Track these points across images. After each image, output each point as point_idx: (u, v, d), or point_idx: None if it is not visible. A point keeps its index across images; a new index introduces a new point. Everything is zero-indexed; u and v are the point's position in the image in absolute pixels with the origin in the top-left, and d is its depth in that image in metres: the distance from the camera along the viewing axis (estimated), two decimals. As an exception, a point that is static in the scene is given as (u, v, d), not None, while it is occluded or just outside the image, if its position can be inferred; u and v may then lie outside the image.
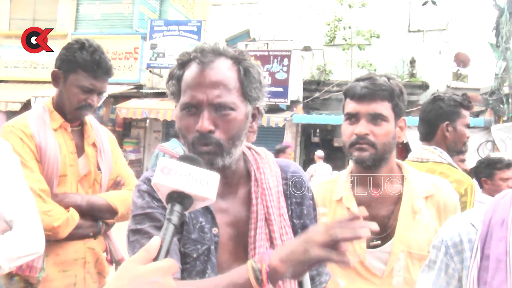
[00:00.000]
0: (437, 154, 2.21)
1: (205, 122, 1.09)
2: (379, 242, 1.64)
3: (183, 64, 1.17)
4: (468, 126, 2.29)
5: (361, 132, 1.61)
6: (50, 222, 1.80)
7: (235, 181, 1.21)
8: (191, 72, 1.14)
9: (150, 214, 1.12)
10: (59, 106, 2.00)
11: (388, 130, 1.63)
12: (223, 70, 1.14)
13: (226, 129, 1.12)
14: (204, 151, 1.10)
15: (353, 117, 1.66)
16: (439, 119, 2.28)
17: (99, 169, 2.06)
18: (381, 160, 1.64)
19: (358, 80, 1.69)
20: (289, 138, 11.97)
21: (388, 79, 1.66)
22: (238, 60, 1.17)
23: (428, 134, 2.31)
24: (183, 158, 0.93)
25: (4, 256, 1.38)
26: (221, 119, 1.11)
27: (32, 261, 1.80)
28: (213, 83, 1.11)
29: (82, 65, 1.94)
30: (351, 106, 1.66)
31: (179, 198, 0.88)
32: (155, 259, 0.81)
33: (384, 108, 1.62)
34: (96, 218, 2.01)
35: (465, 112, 2.28)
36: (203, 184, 0.89)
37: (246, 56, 1.19)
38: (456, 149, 2.29)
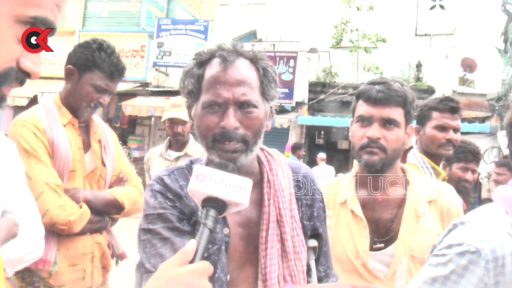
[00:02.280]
0: (411, 155, 2.34)
1: (231, 119, 1.10)
2: (382, 245, 1.65)
3: (202, 63, 1.17)
4: (443, 128, 2.29)
5: (374, 136, 1.61)
6: (66, 217, 1.83)
7: None
8: (213, 70, 1.15)
9: (162, 214, 1.13)
10: (68, 102, 2.02)
11: (399, 136, 1.64)
12: (246, 69, 1.16)
13: (250, 127, 1.14)
14: (229, 148, 1.12)
15: (365, 120, 1.66)
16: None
17: (104, 165, 2.09)
18: (389, 164, 1.65)
19: (372, 83, 1.69)
20: (294, 139, 11.96)
21: (402, 85, 1.68)
22: (255, 60, 1.19)
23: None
24: (216, 165, 0.97)
25: (8, 260, 1.37)
26: (245, 116, 1.13)
27: (45, 255, 1.83)
28: (238, 81, 1.13)
29: (100, 65, 1.97)
30: (364, 109, 1.66)
31: (214, 203, 0.91)
32: (191, 261, 0.84)
33: (397, 113, 1.63)
34: (103, 213, 2.03)
35: (437, 114, 2.30)
36: (236, 190, 0.93)
37: (263, 57, 1.21)
38: (430, 152, 2.32)
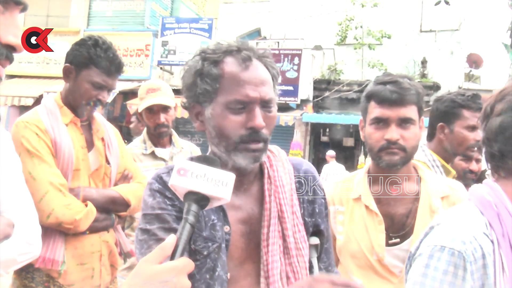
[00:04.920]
0: (420, 152, 2.20)
1: (259, 119, 1.11)
2: (398, 240, 1.65)
3: (216, 61, 1.15)
4: (473, 128, 2.16)
5: (393, 138, 1.61)
6: (72, 216, 1.83)
7: (249, 178, 1.22)
8: (236, 69, 1.13)
9: (160, 215, 1.12)
10: (68, 101, 2.02)
11: (416, 133, 1.66)
12: (263, 68, 1.16)
13: (269, 125, 1.15)
14: (255, 148, 1.13)
15: (381, 122, 1.65)
16: (436, 121, 2.24)
17: (108, 163, 2.10)
18: (407, 162, 1.67)
19: (382, 83, 1.67)
20: (299, 137, 11.95)
21: (409, 80, 1.68)
22: (260, 58, 1.18)
23: (428, 135, 2.30)
24: (199, 159, 0.95)
25: (1, 262, 1.36)
26: (266, 116, 1.14)
27: (53, 255, 1.84)
28: (263, 80, 1.14)
29: (95, 61, 1.96)
30: (379, 111, 1.65)
31: (196, 198, 0.90)
32: (172, 257, 0.83)
33: (412, 111, 1.64)
34: (109, 211, 2.04)
35: (469, 113, 2.17)
36: (218, 184, 0.91)
37: (267, 54, 1.20)
38: (456, 152, 2.22)
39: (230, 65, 1.13)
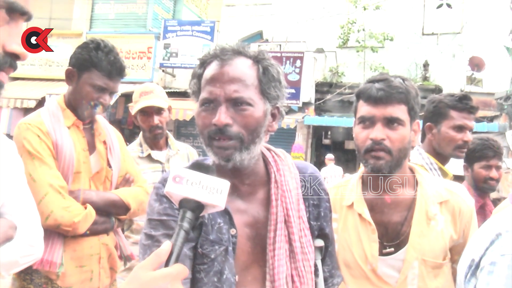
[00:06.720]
0: (417, 155, 2.21)
1: (221, 116, 1.10)
2: (392, 249, 1.59)
3: (203, 63, 1.18)
4: (460, 128, 2.18)
5: (377, 137, 1.53)
6: (71, 218, 1.83)
7: (255, 182, 1.22)
8: (210, 69, 1.15)
9: (165, 221, 1.12)
10: (71, 104, 2.03)
11: (404, 134, 1.55)
12: (242, 67, 1.15)
13: (244, 124, 1.12)
14: (221, 145, 1.12)
15: (367, 121, 1.58)
16: (425, 121, 2.25)
17: (110, 166, 2.10)
18: (396, 166, 1.57)
19: (371, 81, 1.61)
20: (300, 140, 11.95)
21: (403, 80, 1.60)
22: (257, 59, 1.18)
23: (422, 136, 2.30)
24: (194, 167, 0.96)
25: (3, 264, 1.37)
26: (238, 114, 1.12)
27: (51, 257, 1.84)
28: (231, 78, 1.12)
29: (96, 64, 1.97)
30: (365, 109, 1.58)
31: (190, 205, 0.91)
32: (166, 264, 0.83)
33: (400, 111, 1.54)
34: (109, 214, 2.04)
35: (455, 114, 2.19)
36: (213, 192, 0.92)
37: (265, 56, 1.20)
38: (443, 153, 2.21)
39: (210, 65, 1.16)
